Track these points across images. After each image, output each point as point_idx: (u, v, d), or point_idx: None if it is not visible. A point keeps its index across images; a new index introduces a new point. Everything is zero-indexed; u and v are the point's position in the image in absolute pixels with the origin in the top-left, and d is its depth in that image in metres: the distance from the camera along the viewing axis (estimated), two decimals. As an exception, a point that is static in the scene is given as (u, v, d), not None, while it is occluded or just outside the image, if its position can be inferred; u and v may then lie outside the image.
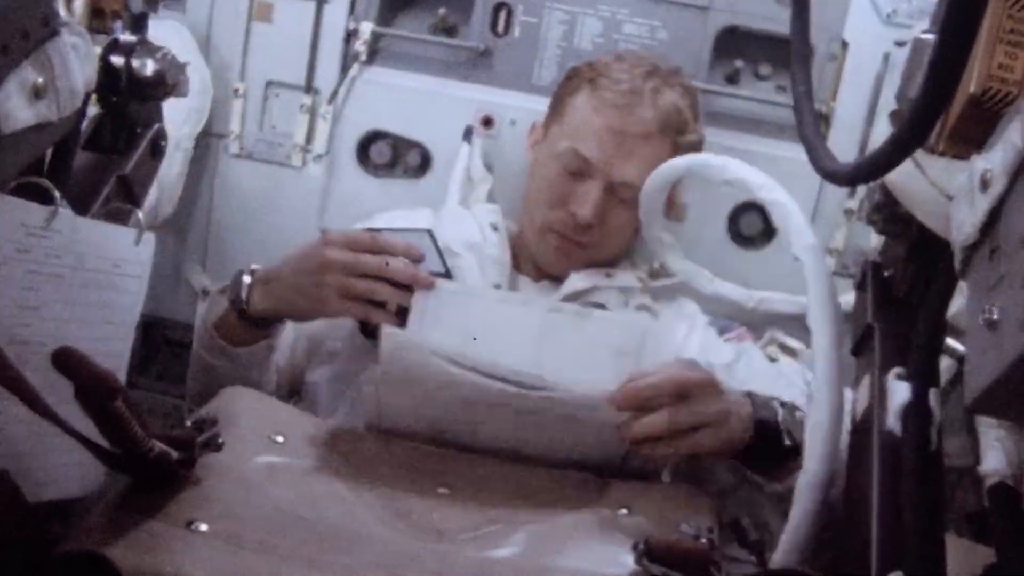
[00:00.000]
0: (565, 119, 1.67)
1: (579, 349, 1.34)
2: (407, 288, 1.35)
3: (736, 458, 1.30)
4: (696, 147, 1.69)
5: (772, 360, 1.54)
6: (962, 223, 0.78)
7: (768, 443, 1.27)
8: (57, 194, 0.98)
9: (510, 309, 1.37)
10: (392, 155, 1.96)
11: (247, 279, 1.43)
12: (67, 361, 0.84)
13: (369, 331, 1.41)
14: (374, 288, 1.35)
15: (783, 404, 1.31)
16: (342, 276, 1.36)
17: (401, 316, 1.35)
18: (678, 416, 1.21)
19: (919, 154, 0.95)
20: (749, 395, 1.31)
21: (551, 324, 1.36)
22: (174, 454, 0.96)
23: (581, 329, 1.36)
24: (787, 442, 1.27)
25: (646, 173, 1.57)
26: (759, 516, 1.34)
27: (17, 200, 0.94)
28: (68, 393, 0.96)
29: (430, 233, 1.45)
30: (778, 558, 1.08)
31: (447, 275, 1.41)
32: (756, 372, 1.52)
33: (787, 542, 1.09)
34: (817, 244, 1.24)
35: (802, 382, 1.47)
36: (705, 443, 1.23)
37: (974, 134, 0.82)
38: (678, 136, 1.63)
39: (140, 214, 1.14)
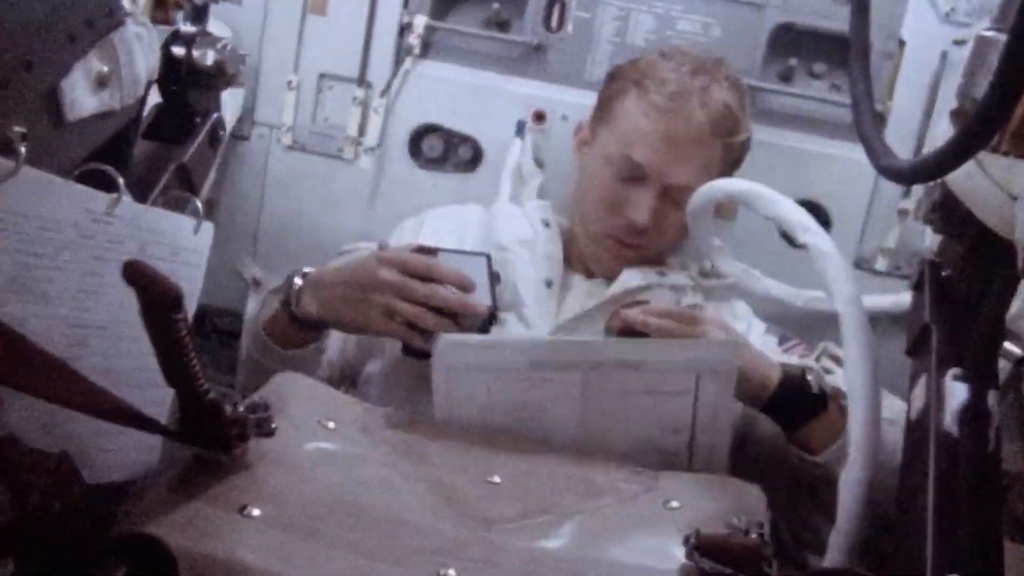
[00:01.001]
0: (614, 123, 1.66)
1: (628, 405, 1.31)
2: (453, 316, 1.37)
3: (766, 411, 1.37)
4: (746, 145, 1.68)
5: (827, 372, 1.53)
6: (1027, 222, 0.77)
7: (795, 392, 1.35)
8: (121, 181, 0.99)
9: (545, 377, 1.31)
10: (444, 149, 1.97)
11: (299, 281, 1.45)
12: (135, 272, 0.85)
13: (411, 351, 1.42)
14: (418, 314, 1.36)
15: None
16: (389, 297, 1.37)
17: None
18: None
19: (982, 153, 0.94)
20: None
21: (592, 384, 1.31)
22: (227, 407, 0.97)
23: (627, 383, 1.31)
24: (815, 389, 1.34)
25: (699, 175, 1.57)
26: (799, 520, 1.34)
27: (81, 186, 0.96)
28: (126, 378, 0.98)
29: (488, 259, 1.46)
30: (830, 557, 1.08)
31: (495, 308, 1.41)
32: None
33: (836, 542, 1.09)
34: (858, 295, 1.22)
35: None
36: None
37: (1040, 133, 0.81)
38: (729, 137, 1.62)
39: (199, 203, 1.15)
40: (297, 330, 1.46)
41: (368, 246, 1.82)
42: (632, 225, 1.61)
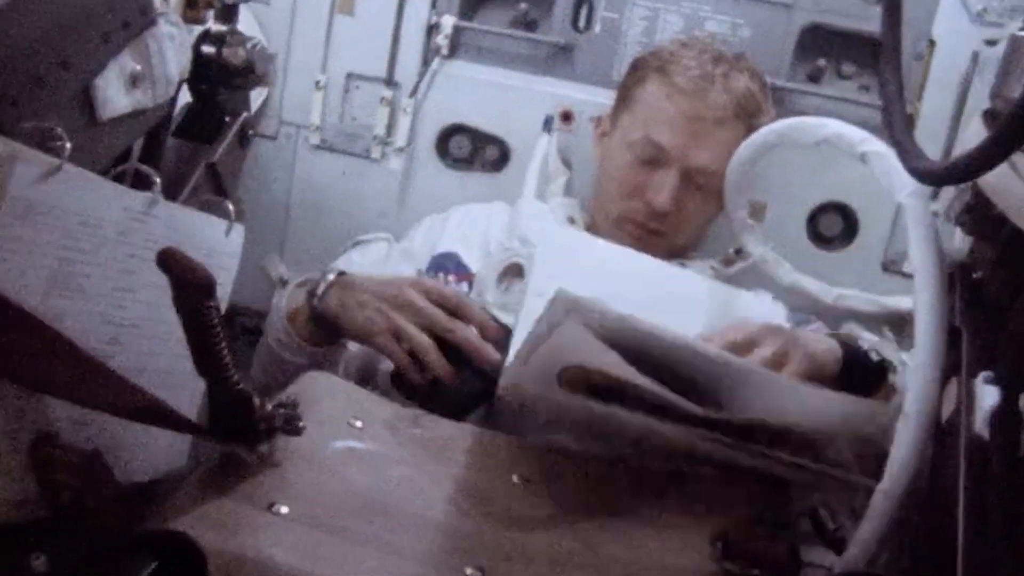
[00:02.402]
0: (636, 108, 1.66)
1: None
2: (458, 364, 1.33)
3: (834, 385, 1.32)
4: None
5: None
6: (1061, 224, 0.76)
7: (857, 366, 1.33)
8: (158, 181, 1.00)
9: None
10: (471, 149, 1.97)
11: (331, 277, 1.42)
12: (168, 259, 0.86)
13: (400, 383, 1.38)
14: (426, 347, 1.33)
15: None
16: (406, 317, 1.34)
17: (432, 385, 1.33)
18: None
19: (1015, 155, 0.93)
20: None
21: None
22: (256, 401, 0.97)
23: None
24: (875, 357, 1.33)
25: (722, 158, 1.57)
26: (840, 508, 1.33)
27: (119, 185, 0.97)
28: (157, 378, 0.98)
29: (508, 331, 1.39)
30: (850, 553, 1.07)
31: (491, 386, 1.28)
32: None
33: (860, 538, 1.08)
34: (921, 189, 1.22)
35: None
36: (795, 362, 1.29)
37: (1074, 134, 0.80)
38: (752, 119, 1.62)
39: (231, 206, 1.16)
40: (315, 327, 1.44)
41: (384, 236, 1.83)
42: (653, 209, 1.60)
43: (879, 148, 1.30)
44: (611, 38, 1.91)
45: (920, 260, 1.16)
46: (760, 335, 1.32)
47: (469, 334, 1.34)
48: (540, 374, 1.12)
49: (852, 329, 1.60)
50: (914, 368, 1.11)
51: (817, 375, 1.29)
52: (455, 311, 1.36)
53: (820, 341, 1.37)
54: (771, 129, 1.50)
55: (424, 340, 1.33)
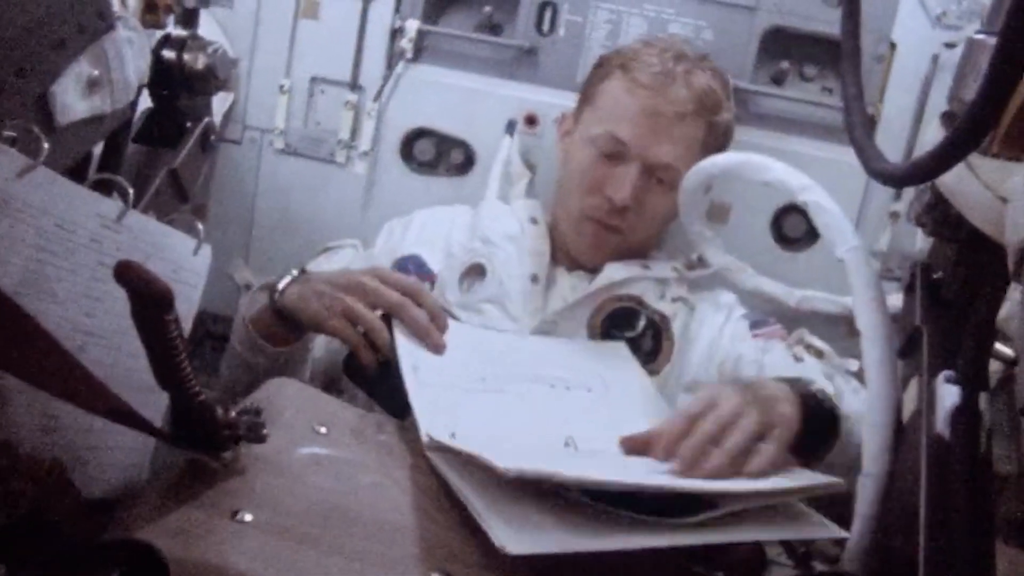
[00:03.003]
0: (598, 104, 1.67)
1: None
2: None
3: (794, 450, 1.23)
4: (729, 128, 1.69)
5: (798, 360, 1.53)
6: (1017, 224, 0.77)
7: (815, 417, 1.24)
8: (130, 191, 0.99)
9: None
10: (436, 153, 1.97)
11: (293, 273, 1.43)
12: (127, 271, 0.85)
13: (352, 371, 1.39)
14: (372, 323, 1.34)
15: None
16: (357, 299, 1.35)
17: (383, 367, 1.33)
18: (728, 442, 1.15)
19: (972, 156, 0.94)
20: (783, 380, 1.30)
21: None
22: (219, 410, 0.97)
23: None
24: (827, 405, 1.28)
25: (683, 154, 1.58)
26: None
27: (93, 192, 0.96)
28: (124, 390, 0.97)
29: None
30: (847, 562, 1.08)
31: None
32: (778, 370, 1.50)
33: (853, 547, 1.09)
34: (861, 245, 1.23)
35: (824, 381, 1.46)
36: (773, 451, 1.17)
37: (1030, 135, 0.81)
38: (712, 116, 1.63)
39: (200, 226, 1.15)
40: (278, 323, 1.43)
41: (352, 242, 1.82)
42: (613, 204, 1.60)
43: (820, 199, 1.31)
44: (575, 41, 1.91)
45: (864, 315, 1.18)
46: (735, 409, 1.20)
47: (417, 313, 1.35)
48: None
49: (803, 335, 1.60)
50: (868, 427, 1.14)
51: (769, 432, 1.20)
52: (406, 292, 1.37)
53: (778, 401, 1.24)
54: (720, 162, 1.51)
55: (373, 318, 1.34)
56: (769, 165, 1.41)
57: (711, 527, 1.04)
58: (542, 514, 1.02)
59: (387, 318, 1.36)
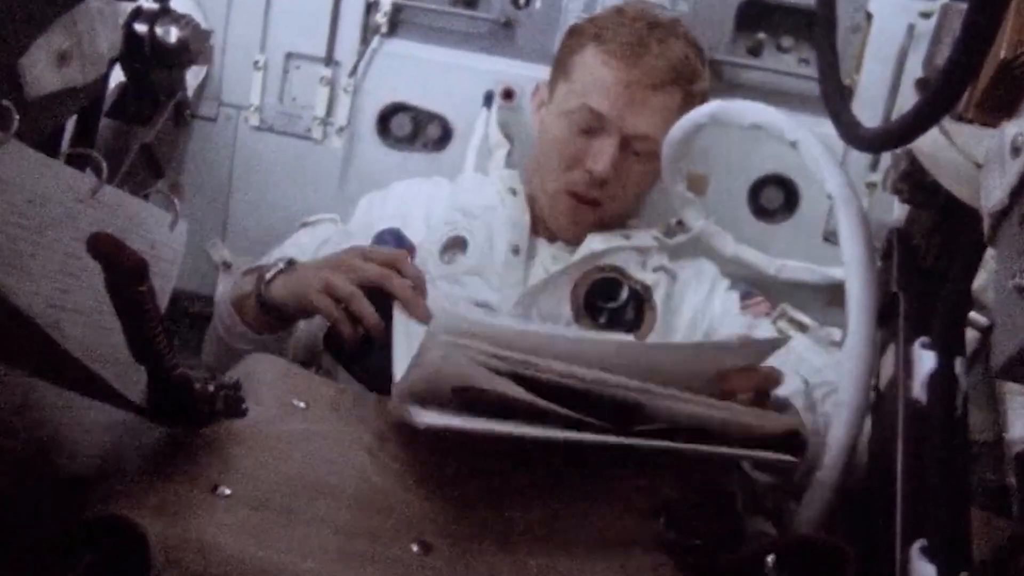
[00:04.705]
0: (573, 76, 1.65)
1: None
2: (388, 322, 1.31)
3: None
4: (705, 94, 1.68)
5: (782, 334, 1.54)
6: (992, 189, 0.77)
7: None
8: (104, 166, 0.98)
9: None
10: (413, 128, 1.96)
11: (280, 264, 1.42)
12: (100, 243, 0.84)
13: (331, 344, 1.38)
14: (354, 295, 1.32)
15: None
16: (338, 274, 1.34)
17: (364, 343, 1.32)
18: None
19: (947, 122, 0.95)
20: None
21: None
22: (197, 384, 0.96)
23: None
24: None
25: (660, 124, 1.57)
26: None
27: (67, 167, 0.95)
28: (102, 367, 0.97)
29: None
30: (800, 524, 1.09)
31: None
32: None
33: (808, 508, 1.10)
34: (847, 179, 1.24)
35: (813, 357, 1.47)
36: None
37: (1004, 100, 0.81)
38: (689, 85, 1.62)
39: (177, 201, 1.14)
40: (262, 314, 1.43)
41: (331, 217, 1.82)
42: (592, 177, 1.60)
43: (808, 137, 1.31)
44: (551, 14, 1.90)
45: (850, 247, 1.18)
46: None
47: (401, 282, 1.34)
48: (430, 396, 1.06)
49: (786, 309, 1.61)
50: (847, 354, 1.13)
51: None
52: (389, 266, 1.36)
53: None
54: (704, 110, 1.51)
55: (353, 288, 1.33)
56: (756, 108, 1.42)
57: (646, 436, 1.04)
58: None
59: (372, 294, 1.35)
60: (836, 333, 1.56)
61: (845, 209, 1.21)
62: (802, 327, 1.59)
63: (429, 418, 1.01)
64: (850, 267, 1.17)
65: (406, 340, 1.27)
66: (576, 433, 1.01)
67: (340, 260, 1.37)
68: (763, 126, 1.39)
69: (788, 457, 1.09)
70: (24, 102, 0.91)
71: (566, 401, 1.02)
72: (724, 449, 1.07)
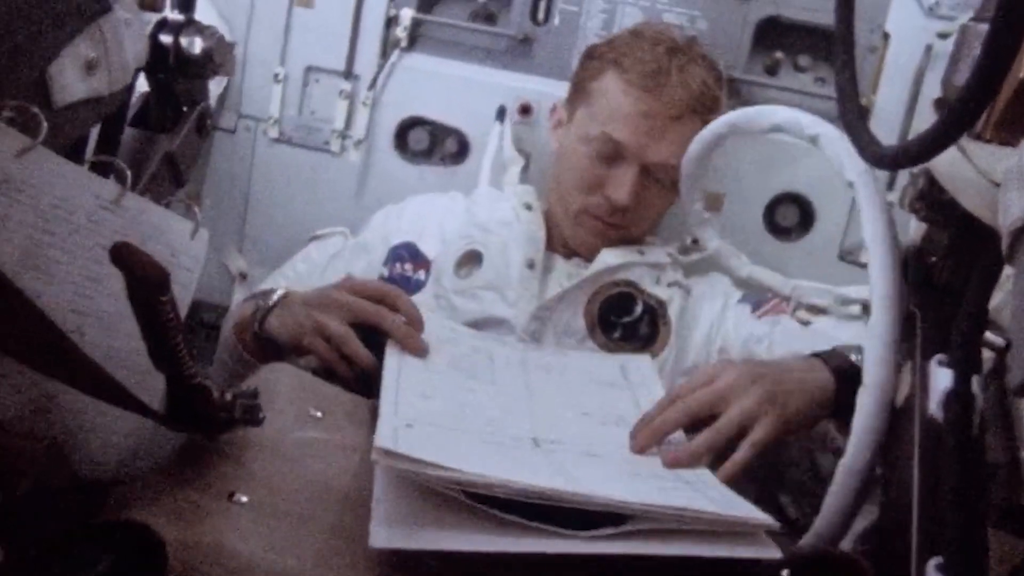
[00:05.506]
0: (592, 103, 1.66)
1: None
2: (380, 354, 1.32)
3: (835, 415, 1.26)
4: None
5: (805, 323, 1.54)
6: (1010, 207, 0.77)
7: (848, 384, 1.20)
8: (128, 173, 0.98)
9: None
10: (430, 142, 1.97)
11: (274, 298, 1.41)
12: (123, 253, 0.85)
13: (328, 374, 1.37)
14: (342, 335, 1.33)
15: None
16: (330, 314, 1.35)
17: (361, 383, 1.32)
18: (712, 436, 1.18)
19: (965, 141, 0.95)
20: (815, 355, 1.30)
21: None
22: (215, 392, 0.97)
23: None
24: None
25: (679, 152, 1.58)
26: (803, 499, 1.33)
27: (92, 173, 0.96)
28: (121, 373, 0.97)
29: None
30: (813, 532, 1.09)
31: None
32: (793, 338, 1.52)
33: (822, 521, 1.09)
34: (869, 169, 1.24)
35: (840, 332, 1.47)
36: (770, 429, 1.19)
37: (1023, 119, 0.82)
38: (709, 114, 1.62)
39: (197, 209, 1.15)
40: (261, 349, 1.43)
41: (341, 230, 1.83)
42: (613, 204, 1.61)
43: (829, 131, 1.33)
44: (570, 31, 1.92)
45: (873, 235, 1.19)
46: (733, 386, 1.22)
47: (394, 319, 1.35)
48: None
49: (799, 301, 1.61)
50: (870, 339, 1.13)
51: (789, 432, 1.22)
52: (381, 301, 1.37)
53: (806, 382, 1.25)
54: (722, 121, 1.52)
55: (345, 329, 1.34)
56: (773, 110, 1.44)
57: (614, 539, 0.95)
58: (428, 510, 0.96)
59: (364, 329, 1.36)
60: (851, 292, 1.57)
61: (865, 192, 1.23)
62: (821, 310, 1.59)
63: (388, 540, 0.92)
64: (873, 245, 1.18)
65: (396, 376, 1.27)
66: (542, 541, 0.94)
67: (331, 299, 1.37)
68: (782, 126, 1.40)
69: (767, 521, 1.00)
70: (51, 110, 0.92)
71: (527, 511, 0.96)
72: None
